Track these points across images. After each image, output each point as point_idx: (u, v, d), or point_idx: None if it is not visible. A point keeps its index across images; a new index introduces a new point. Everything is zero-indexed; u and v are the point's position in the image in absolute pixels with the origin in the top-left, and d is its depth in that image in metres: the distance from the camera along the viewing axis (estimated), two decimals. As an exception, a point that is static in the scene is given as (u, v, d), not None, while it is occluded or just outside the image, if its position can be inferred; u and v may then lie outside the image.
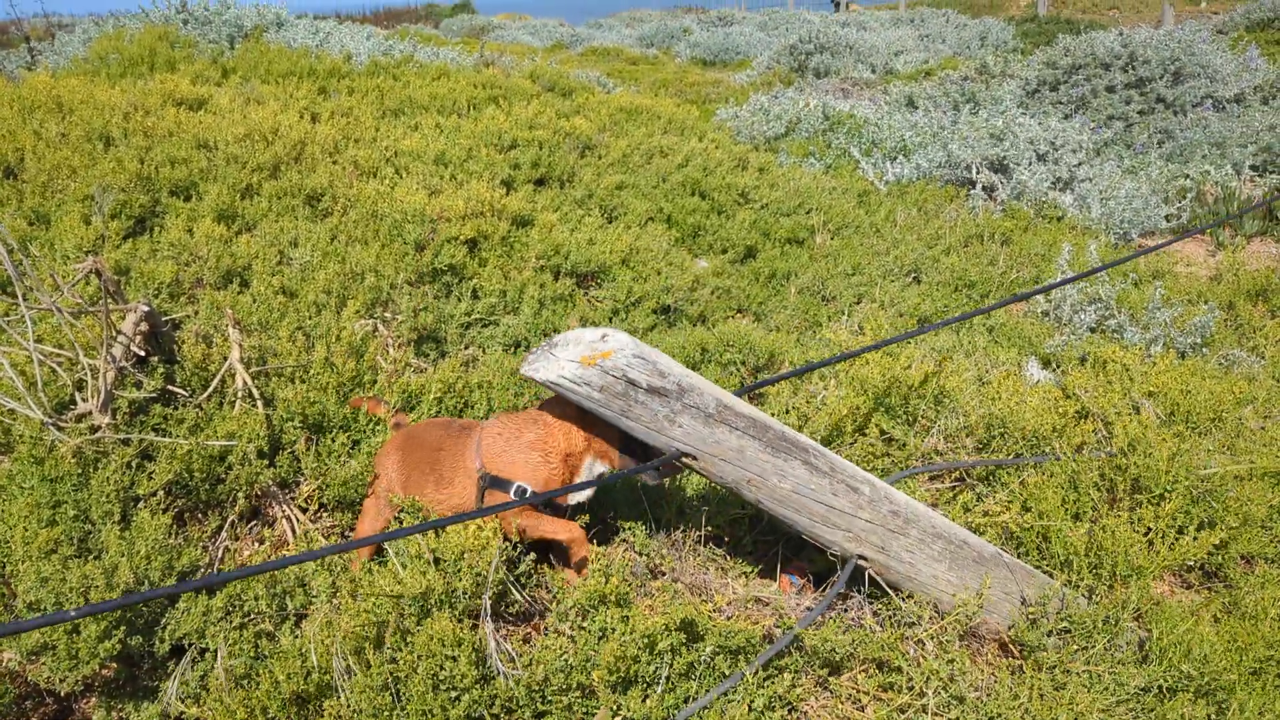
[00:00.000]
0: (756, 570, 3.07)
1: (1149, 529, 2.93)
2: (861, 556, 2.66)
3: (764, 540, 3.22)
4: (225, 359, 3.29)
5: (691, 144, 7.58)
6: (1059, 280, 3.88)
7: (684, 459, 2.47)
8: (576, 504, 2.75)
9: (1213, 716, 2.44)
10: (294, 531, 3.05)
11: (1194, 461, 3.23)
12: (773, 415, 3.23)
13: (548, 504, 2.71)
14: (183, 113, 6.00)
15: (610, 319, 4.75)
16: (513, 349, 4.37)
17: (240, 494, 2.98)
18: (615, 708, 2.15)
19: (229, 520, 2.99)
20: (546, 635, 2.51)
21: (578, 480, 2.68)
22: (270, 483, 3.04)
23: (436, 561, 2.53)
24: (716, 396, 2.44)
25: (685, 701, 2.32)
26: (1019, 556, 2.95)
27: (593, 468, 2.71)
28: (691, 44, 21.38)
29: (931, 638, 2.61)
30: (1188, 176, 7.95)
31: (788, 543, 3.19)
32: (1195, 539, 2.81)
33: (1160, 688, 2.49)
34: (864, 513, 2.59)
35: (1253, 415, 3.86)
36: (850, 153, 8.23)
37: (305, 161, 5.63)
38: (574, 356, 2.34)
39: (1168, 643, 2.58)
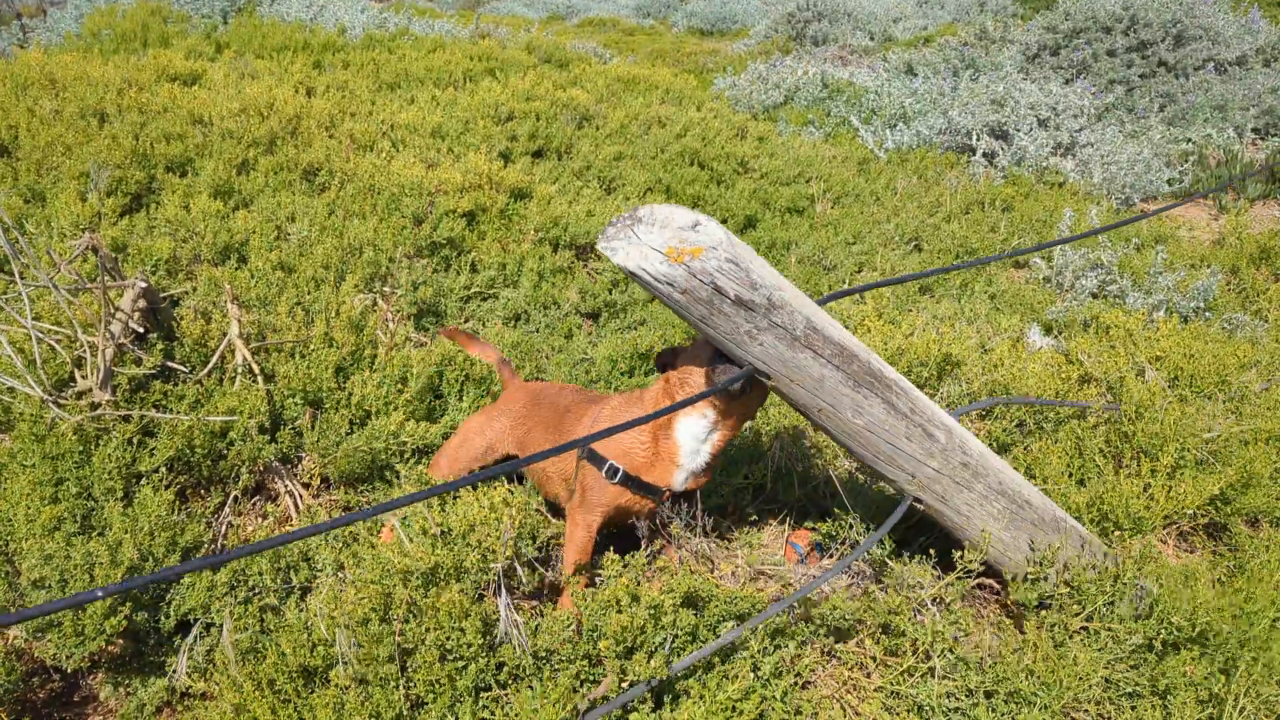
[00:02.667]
0: (761, 538, 3.08)
1: (1148, 484, 2.92)
2: (918, 500, 2.54)
3: (768, 509, 3.22)
4: (224, 335, 3.27)
5: (690, 114, 7.52)
6: (1052, 241, 3.85)
7: (758, 376, 2.30)
8: (684, 490, 2.60)
9: (1214, 674, 2.45)
10: (297, 507, 3.04)
11: (1198, 425, 3.22)
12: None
13: (641, 486, 2.56)
14: (177, 88, 5.94)
15: (610, 290, 4.73)
16: (512, 322, 4.36)
17: (243, 469, 2.98)
18: (621, 672, 2.15)
19: (232, 496, 2.99)
20: (556, 609, 2.52)
21: (679, 460, 2.53)
22: (272, 458, 3.04)
23: (445, 535, 2.53)
24: (808, 317, 2.21)
25: (691, 668, 2.32)
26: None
27: (699, 449, 2.52)
28: (688, 13, 21.17)
29: (934, 599, 2.60)
30: (1190, 140, 7.89)
31: (792, 510, 3.20)
32: (1194, 485, 2.80)
33: (1164, 644, 2.49)
34: (934, 461, 2.45)
35: (1256, 378, 3.85)
36: (850, 121, 8.17)
37: (301, 136, 5.59)
38: (659, 244, 2.06)
39: (1171, 601, 2.58)
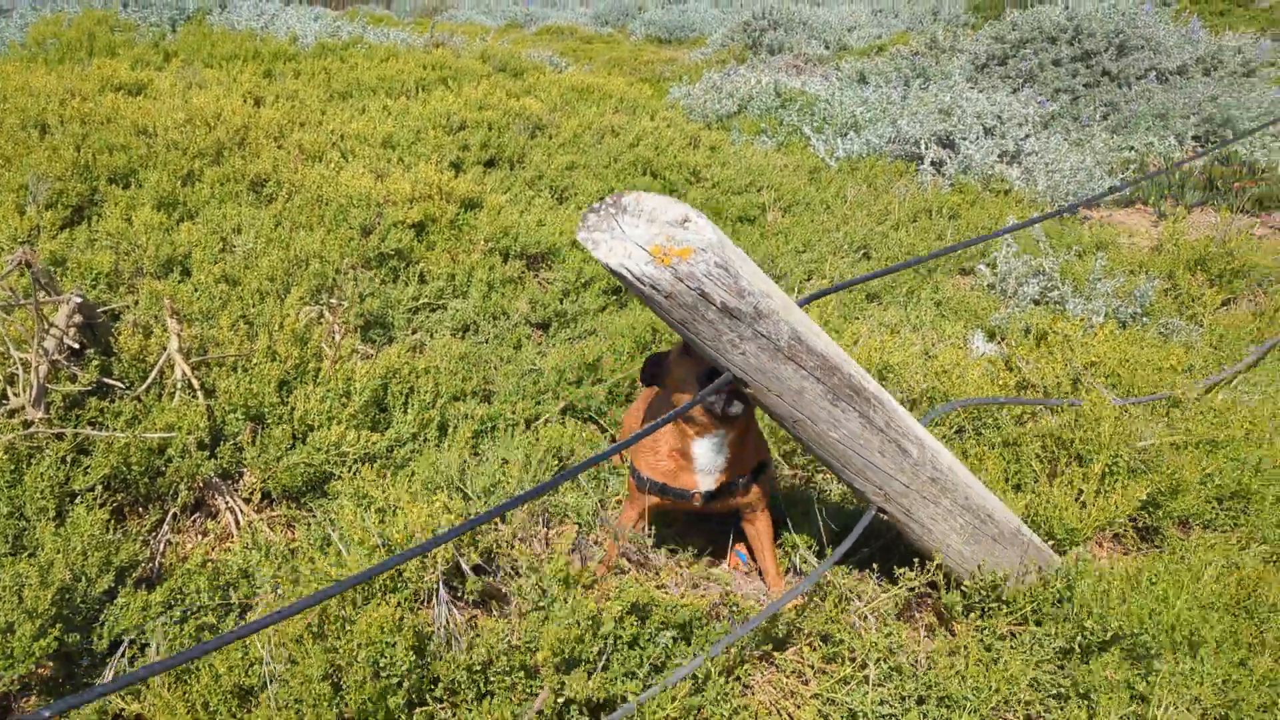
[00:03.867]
0: (708, 548, 3.10)
1: (1080, 490, 2.99)
2: (882, 510, 2.57)
3: (726, 519, 3.24)
4: (164, 350, 3.24)
5: (643, 123, 7.55)
6: (989, 235, 3.92)
7: (736, 383, 2.24)
8: (708, 491, 2.71)
9: (1143, 676, 2.50)
10: (238, 523, 3.02)
11: (1132, 431, 3.29)
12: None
13: (670, 492, 2.73)
14: (121, 98, 5.87)
15: (561, 299, 4.74)
16: (461, 333, 4.35)
17: (182, 486, 2.95)
18: (559, 687, 2.16)
19: (170, 513, 2.96)
20: (494, 618, 2.52)
21: (697, 469, 2.68)
22: (212, 474, 3.01)
23: (386, 545, 2.52)
24: (793, 327, 2.14)
25: (630, 677, 2.33)
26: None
27: (715, 457, 2.66)
28: (646, 22, 21.27)
29: (872, 610, 2.65)
30: (1132, 148, 8.06)
31: (739, 520, 3.22)
32: (1123, 495, 2.87)
33: (1090, 647, 2.54)
34: (903, 475, 2.46)
35: (1190, 382, 3.94)
36: (802, 130, 8.25)
37: (249, 146, 5.55)
38: (645, 240, 1.94)
39: (1100, 605, 2.63)
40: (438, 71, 8.28)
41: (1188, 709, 2.48)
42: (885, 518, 2.58)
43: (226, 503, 3.04)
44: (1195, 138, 8.40)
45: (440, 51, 9.41)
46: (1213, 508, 3.24)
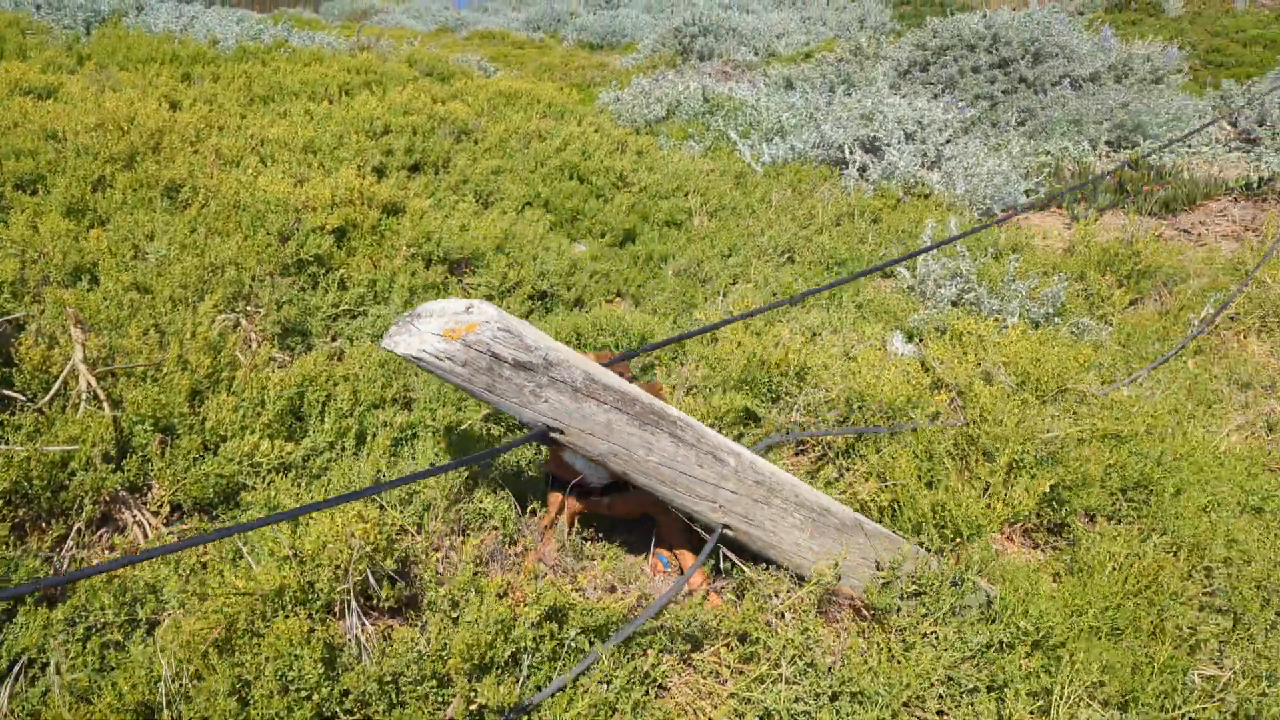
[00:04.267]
0: (624, 551, 3.11)
1: (987, 485, 3.06)
2: (727, 526, 2.69)
3: (641, 523, 3.25)
4: (68, 360, 3.15)
5: (571, 128, 7.55)
6: (898, 258, 4.00)
7: (552, 434, 2.44)
8: (604, 484, 2.88)
9: (1049, 667, 2.58)
10: (146, 536, 2.95)
11: (1039, 427, 3.38)
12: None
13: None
14: (30, 102, 5.69)
15: (484, 306, 4.71)
16: (382, 339, 4.30)
17: (86, 500, 2.87)
18: (471, 695, 2.15)
19: (75, 528, 2.87)
20: (409, 626, 2.49)
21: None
22: (119, 487, 2.93)
23: (297, 556, 2.49)
24: (585, 370, 2.41)
25: (548, 681, 2.33)
26: (877, 523, 3.05)
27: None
28: (579, 27, 21.26)
29: (789, 608, 2.68)
30: (1048, 153, 8.29)
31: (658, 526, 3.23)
32: (1027, 490, 2.95)
33: (1001, 643, 2.61)
34: (729, 483, 2.62)
35: (1096, 380, 4.07)
36: (728, 135, 8.32)
37: (164, 151, 5.42)
38: (437, 329, 2.26)
39: (1010, 600, 2.71)
40: (363, 76, 8.19)
41: (1090, 696, 2.56)
42: (732, 534, 2.71)
43: (134, 516, 2.96)
44: (1108, 143, 8.66)
45: (366, 55, 9.30)
46: (1116, 499, 3.34)
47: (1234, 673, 2.66)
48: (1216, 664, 2.73)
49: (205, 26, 9.62)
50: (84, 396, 3.06)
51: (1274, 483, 3.74)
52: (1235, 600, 2.90)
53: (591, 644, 2.43)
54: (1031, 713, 2.47)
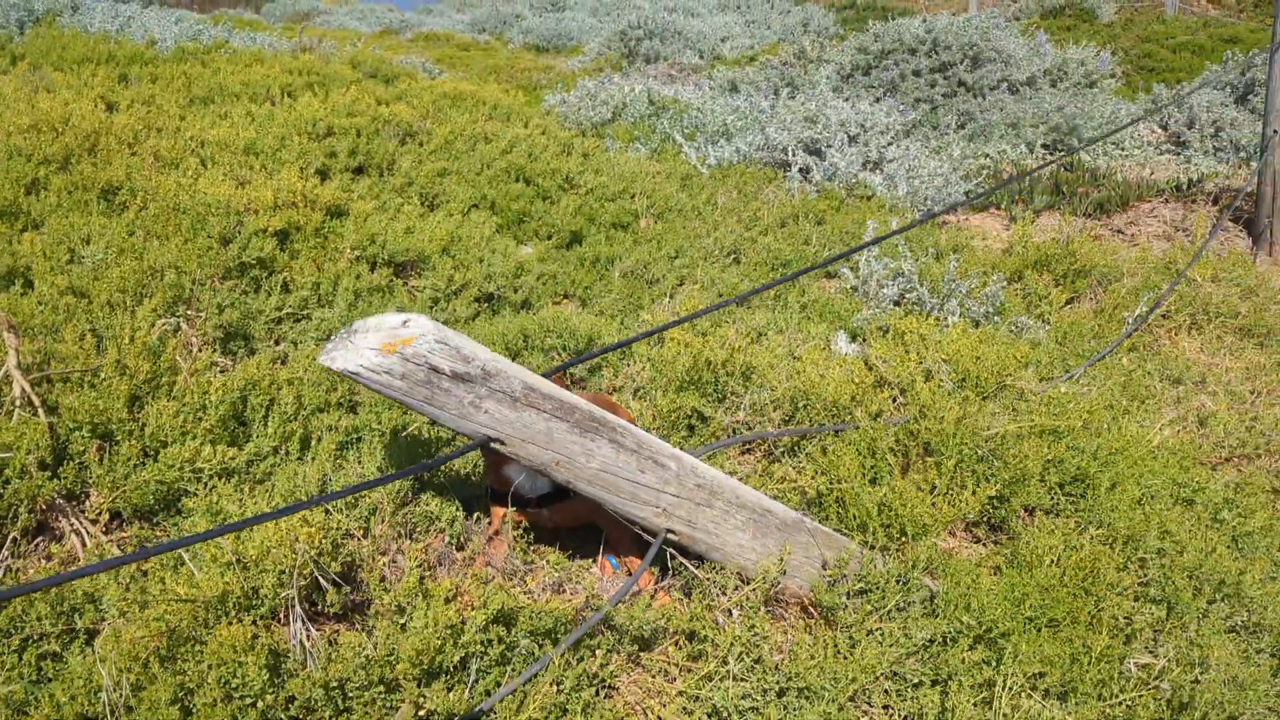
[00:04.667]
0: (571, 554, 3.11)
1: (934, 485, 3.13)
2: (670, 530, 2.73)
3: (585, 533, 3.26)
4: (1, 365, 3.08)
5: (517, 130, 7.54)
6: (840, 252, 4.06)
7: (492, 444, 2.46)
8: (540, 494, 2.85)
9: (991, 660, 2.64)
10: (84, 545, 2.89)
11: (979, 424, 3.46)
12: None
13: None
14: (-43, 103, 5.55)
15: (431, 308, 4.69)
16: (326, 343, 4.26)
17: (21, 509, 2.80)
18: (419, 700, 2.14)
19: (10, 537, 2.81)
20: (354, 631, 2.48)
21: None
22: (55, 495, 2.87)
23: (240, 562, 2.46)
24: (523, 379, 2.44)
25: (496, 686, 2.33)
26: (821, 522, 3.10)
27: None
28: (524, 30, 21.21)
29: (736, 605, 2.71)
30: (987, 155, 8.46)
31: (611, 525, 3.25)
32: (974, 493, 3.02)
33: (945, 637, 2.67)
34: (671, 487, 2.65)
35: (1034, 376, 4.17)
36: (674, 137, 8.37)
37: (100, 153, 5.31)
38: (374, 344, 2.26)
39: (953, 595, 2.77)
40: (305, 77, 8.08)
41: (1032, 687, 2.62)
42: (676, 538, 2.74)
43: (71, 524, 2.90)
44: (1045, 145, 8.86)
45: (308, 57, 9.19)
46: (1054, 494, 3.43)
47: (1168, 661, 2.73)
48: (1151, 652, 2.81)
49: (143, 27, 9.43)
50: (18, 403, 2.99)
51: (1205, 475, 3.87)
52: (1169, 590, 2.99)
53: (540, 646, 2.44)
54: (975, 704, 2.53)
